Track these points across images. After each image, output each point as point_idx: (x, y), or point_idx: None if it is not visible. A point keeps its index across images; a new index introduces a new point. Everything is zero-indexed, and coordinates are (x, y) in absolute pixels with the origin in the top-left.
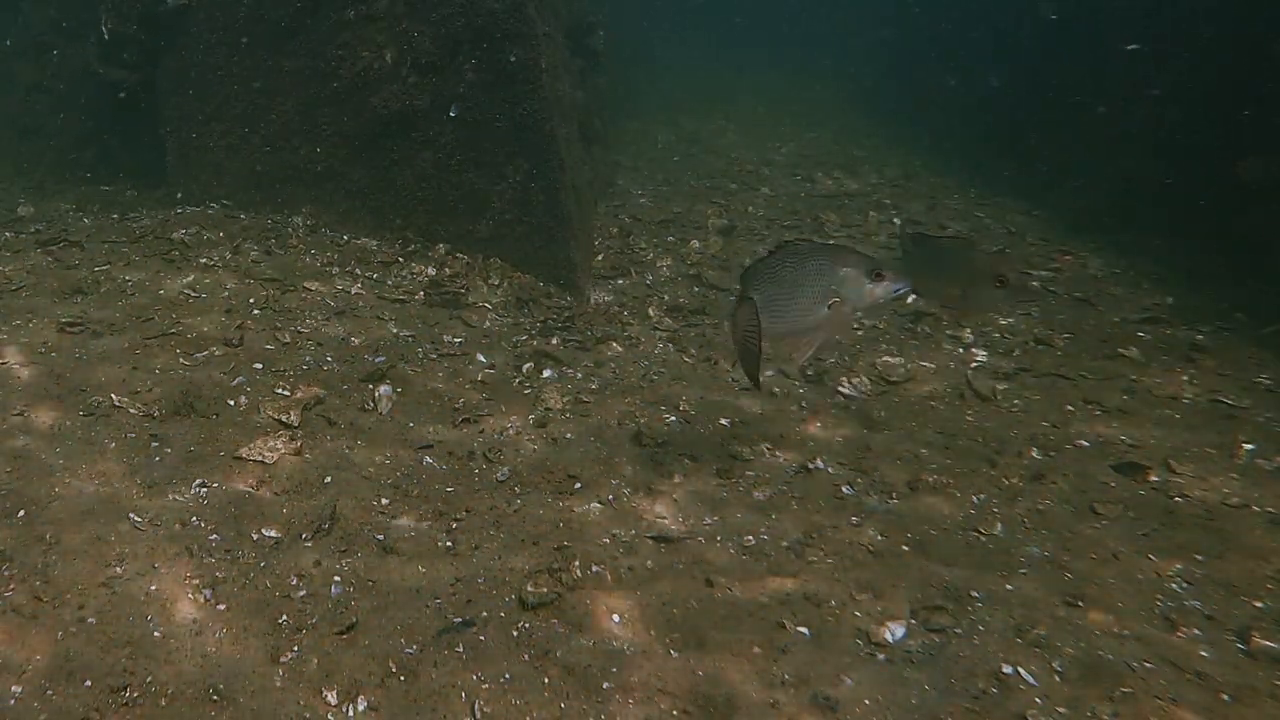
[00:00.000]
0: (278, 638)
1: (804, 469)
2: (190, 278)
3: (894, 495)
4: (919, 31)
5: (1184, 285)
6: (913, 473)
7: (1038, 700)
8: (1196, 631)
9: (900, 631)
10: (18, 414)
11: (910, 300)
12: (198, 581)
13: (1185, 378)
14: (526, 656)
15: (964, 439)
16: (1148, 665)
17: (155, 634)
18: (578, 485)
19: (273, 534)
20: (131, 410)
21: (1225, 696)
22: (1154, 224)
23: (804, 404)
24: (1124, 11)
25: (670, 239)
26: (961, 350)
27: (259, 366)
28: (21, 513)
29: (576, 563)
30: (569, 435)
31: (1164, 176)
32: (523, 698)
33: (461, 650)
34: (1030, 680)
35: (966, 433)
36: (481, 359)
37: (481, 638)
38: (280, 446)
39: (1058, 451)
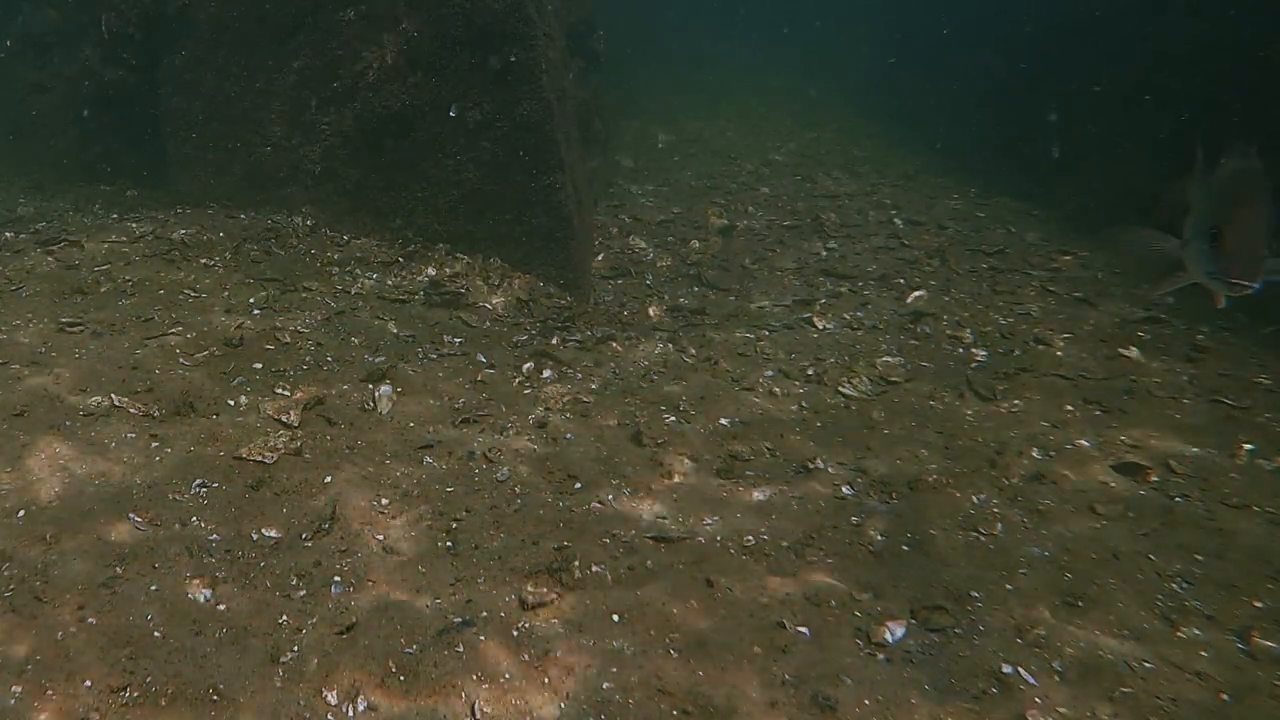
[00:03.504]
0: (278, 638)
1: (804, 469)
2: (190, 277)
3: (894, 495)
4: (919, 32)
5: (1183, 285)
6: (913, 473)
7: (1038, 700)
8: (1196, 631)
9: (900, 631)
10: (17, 413)
11: (910, 300)
12: (198, 581)
13: (1185, 378)
14: (526, 656)
15: (964, 439)
16: (1147, 665)
17: (155, 634)
18: (578, 485)
19: (273, 534)
20: (131, 410)
21: (1225, 696)
22: (1153, 224)
23: (804, 404)
24: (1124, 13)
25: (670, 239)
26: (961, 350)
27: (259, 366)
28: (21, 513)
29: (576, 563)
30: (569, 435)
31: (1163, 177)
32: (523, 698)
33: (461, 650)
34: (1030, 680)
35: (966, 433)
36: (481, 359)
37: (481, 638)
38: (280, 446)
39: (1058, 451)
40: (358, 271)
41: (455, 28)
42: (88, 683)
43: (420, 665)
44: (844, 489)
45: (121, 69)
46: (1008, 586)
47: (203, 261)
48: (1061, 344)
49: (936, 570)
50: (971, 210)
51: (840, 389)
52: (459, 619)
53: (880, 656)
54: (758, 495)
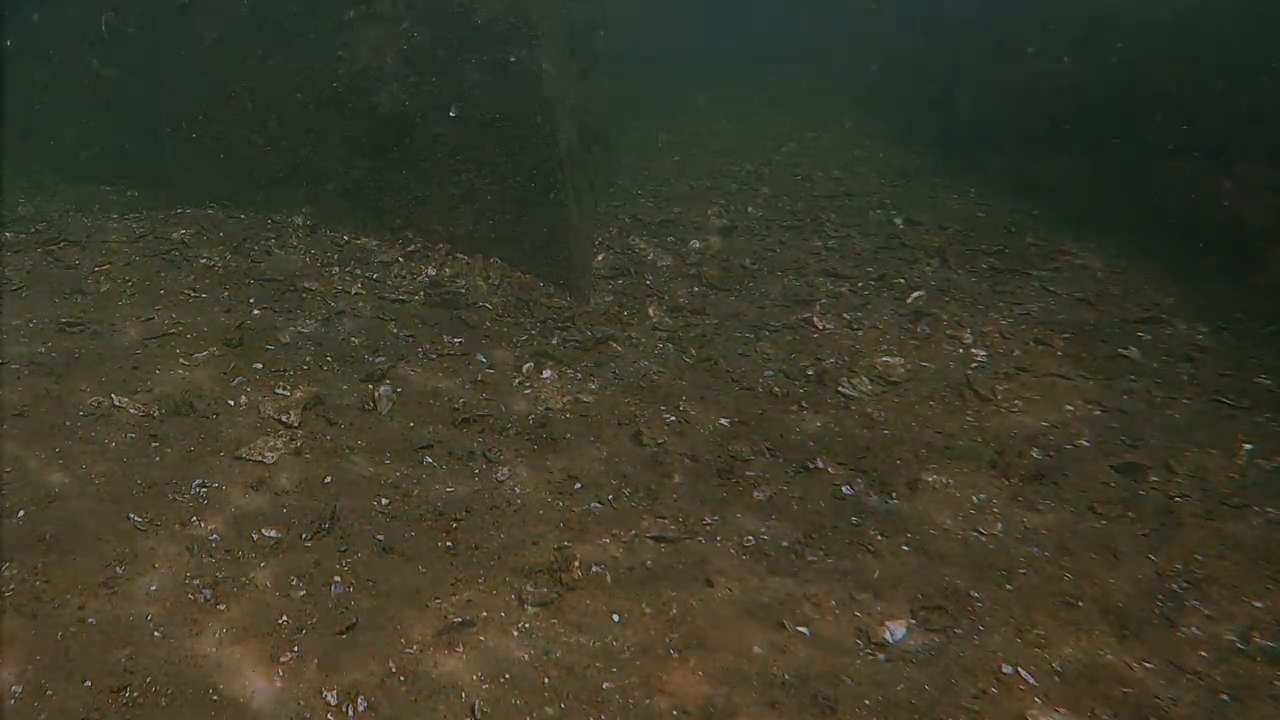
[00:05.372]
0: (278, 638)
1: (804, 469)
2: (190, 277)
3: (894, 495)
4: (919, 34)
5: (1184, 285)
6: (913, 473)
7: (1037, 700)
8: (1196, 631)
9: (900, 631)
10: (18, 414)
11: (910, 300)
12: (198, 581)
13: (1185, 378)
14: (526, 656)
15: (964, 439)
16: (1147, 665)
17: (155, 634)
18: (578, 485)
19: (273, 534)
20: (131, 410)
21: (1225, 696)
22: (1154, 224)
23: (804, 404)
24: (1123, 14)
25: (670, 239)
26: (961, 350)
27: (259, 366)
28: (21, 513)
29: (576, 563)
30: (569, 436)
31: (1163, 177)
32: (523, 698)
33: (462, 650)
34: (1030, 680)
35: (966, 433)
36: (481, 359)
37: (481, 638)
38: (280, 446)
39: (1058, 451)
40: (358, 271)
41: (455, 27)
42: (88, 683)
43: (420, 665)
44: (844, 489)
45: (121, 69)
46: (1008, 586)
47: (203, 261)
48: (1061, 344)
49: (936, 570)
50: (971, 210)
51: (840, 389)
52: (459, 618)
53: (880, 656)
54: (758, 495)
